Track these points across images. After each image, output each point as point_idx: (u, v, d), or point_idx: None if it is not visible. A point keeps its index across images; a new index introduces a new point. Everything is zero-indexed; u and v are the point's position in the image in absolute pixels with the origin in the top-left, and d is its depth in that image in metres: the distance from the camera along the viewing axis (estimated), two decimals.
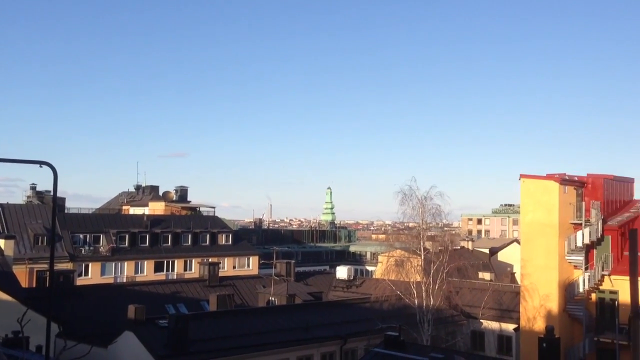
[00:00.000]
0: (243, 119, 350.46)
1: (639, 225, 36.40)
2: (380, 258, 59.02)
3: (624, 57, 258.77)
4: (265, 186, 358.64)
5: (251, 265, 63.95)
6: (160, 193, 77.18)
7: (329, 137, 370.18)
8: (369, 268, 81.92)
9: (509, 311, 39.66)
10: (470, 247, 70.75)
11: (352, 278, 50.89)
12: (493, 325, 39.48)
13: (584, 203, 36.37)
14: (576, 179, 37.42)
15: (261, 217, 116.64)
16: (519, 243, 57.57)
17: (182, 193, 77.77)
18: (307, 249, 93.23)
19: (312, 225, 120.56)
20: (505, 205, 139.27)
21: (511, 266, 61.63)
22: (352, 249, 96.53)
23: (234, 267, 62.23)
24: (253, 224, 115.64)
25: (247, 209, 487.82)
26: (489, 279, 49.86)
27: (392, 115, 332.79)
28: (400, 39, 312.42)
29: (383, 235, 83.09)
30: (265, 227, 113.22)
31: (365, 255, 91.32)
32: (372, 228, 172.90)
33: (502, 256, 68.98)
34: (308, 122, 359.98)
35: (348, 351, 32.72)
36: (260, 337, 30.31)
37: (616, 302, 34.44)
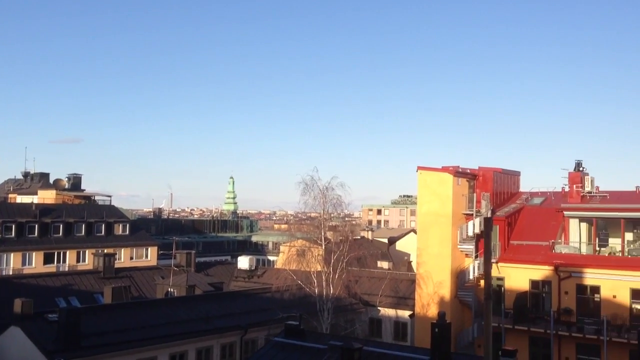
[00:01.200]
0: (143, 105, 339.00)
1: (524, 215, 38.94)
2: (282, 248, 59.19)
3: (511, 58, 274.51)
4: (166, 175, 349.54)
5: (149, 256, 62.09)
6: (51, 181, 73.15)
7: (232, 126, 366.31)
8: (271, 258, 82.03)
9: (405, 298, 41.10)
10: (370, 237, 72.51)
11: (253, 268, 50.78)
12: (390, 312, 40.79)
13: (475, 194, 38.28)
14: (469, 171, 39.30)
15: (161, 207, 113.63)
16: (415, 233, 59.73)
17: (76, 181, 74.18)
18: (208, 239, 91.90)
19: (214, 215, 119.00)
20: (404, 196, 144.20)
21: (408, 255, 63.83)
22: (254, 238, 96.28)
23: (131, 258, 60.14)
24: (152, 213, 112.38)
25: (146, 198, 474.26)
26: (387, 267, 51.39)
27: (295, 106, 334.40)
28: (291, 31, 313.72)
29: (285, 225, 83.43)
30: (165, 216, 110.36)
31: (267, 245, 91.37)
32: (274, 218, 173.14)
33: (400, 245, 71.29)
34: (211, 111, 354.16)
35: (249, 341, 32.64)
36: (158, 329, 29.53)
37: (502, 288, 36.57)
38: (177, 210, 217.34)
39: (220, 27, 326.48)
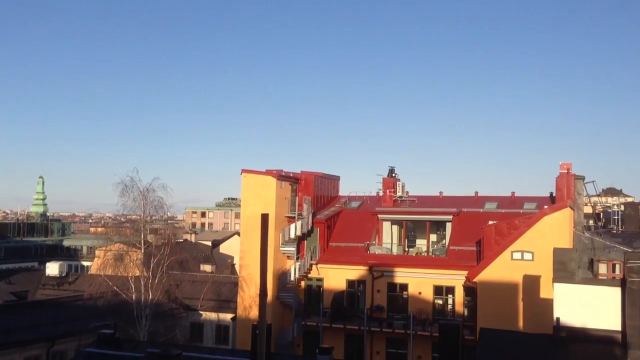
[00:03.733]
0: None
1: (342, 218, 40.78)
2: (97, 252, 55.63)
3: (329, 64, 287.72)
4: None
5: None
6: None
7: (41, 124, 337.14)
8: (85, 263, 76.81)
9: (228, 301, 40.87)
10: (193, 240, 71.19)
11: (64, 274, 47.25)
12: (212, 316, 40.29)
13: (297, 198, 39.29)
14: (291, 175, 40.24)
15: None
16: (240, 235, 59.81)
17: None
18: (12, 244, 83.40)
19: (20, 218, 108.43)
20: (229, 199, 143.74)
21: (232, 258, 63.70)
22: (66, 243, 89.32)
23: None
24: None
25: None
26: (210, 271, 50.75)
27: (113, 104, 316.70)
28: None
29: (102, 228, 78.71)
30: None
31: (81, 250, 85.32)
32: (90, 220, 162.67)
33: (224, 248, 70.90)
34: (18, 105, 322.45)
35: (56, 354, 30.19)
36: None
37: (321, 289, 37.96)
38: None
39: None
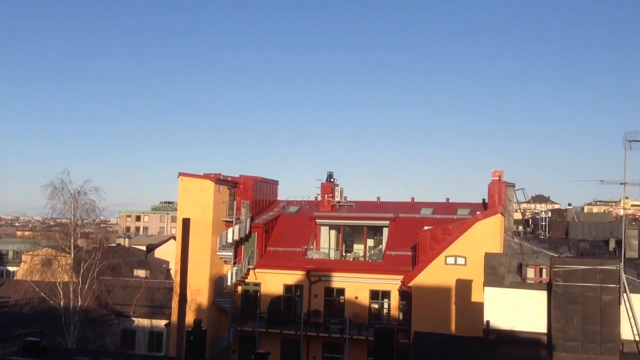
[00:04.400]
0: None
1: (280, 223, 40.70)
2: (24, 257, 53.40)
3: (263, 69, 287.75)
4: None
5: None
6: None
7: None
8: (11, 268, 73.55)
9: (162, 307, 40.00)
10: (127, 244, 69.39)
11: None
12: (145, 322, 39.31)
13: (235, 202, 38.94)
14: (230, 179, 39.85)
15: None
16: (175, 240, 58.68)
17: None
18: None
19: None
20: (165, 202, 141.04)
21: (167, 262, 62.44)
22: None
23: None
24: None
25: None
26: (144, 276, 49.55)
27: (41, 104, 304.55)
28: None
29: (29, 232, 75.54)
30: None
31: (6, 255, 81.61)
32: (17, 224, 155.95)
33: (159, 253, 69.38)
34: None
35: None
36: None
37: (259, 294, 37.72)
38: None
39: None
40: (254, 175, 41.31)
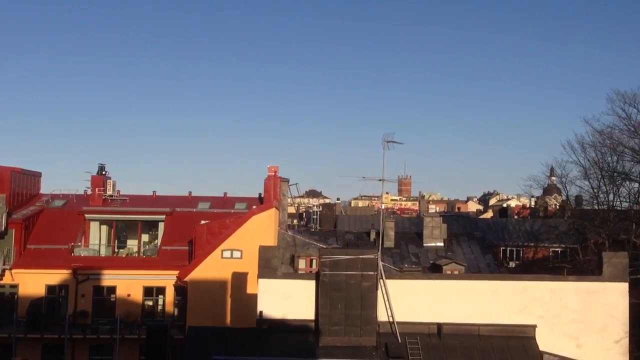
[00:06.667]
0: None
1: (43, 218, 37.28)
2: None
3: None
4: None
5: None
6: None
7: None
8: None
9: None
10: None
11: None
12: None
13: None
14: None
15: None
16: None
17: None
18: None
19: None
20: None
21: None
22: None
23: None
24: None
25: None
26: None
27: None
28: None
29: None
30: None
31: None
32: None
33: None
34: None
35: None
36: None
37: (16, 296, 34.17)
38: None
39: None
40: (11, 166, 37.21)
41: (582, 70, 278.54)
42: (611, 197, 38.47)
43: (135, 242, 38.00)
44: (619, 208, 38.34)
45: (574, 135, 54.96)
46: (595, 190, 38.98)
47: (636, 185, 37.70)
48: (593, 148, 38.41)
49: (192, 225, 34.81)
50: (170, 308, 34.76)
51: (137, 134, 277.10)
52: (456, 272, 30.62)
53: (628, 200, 38.38)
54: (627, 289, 17.50)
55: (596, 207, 39.47)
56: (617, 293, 17.34)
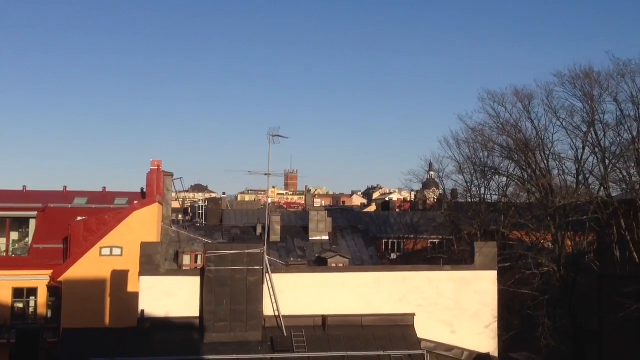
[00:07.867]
0: None
1: None
2: None
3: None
4: None
5: None
6: None
7: None
8: None
9: None
10: None
11: None
12: None
13: None
14: None
15: None
16: None
17: None
18: None
19: None
20: None
21: None
22: None
23: None
24: None
25: None
26: None
27: None
28: None
29: None
30: None
31: None
32: None
33: None
34: None
35: None
36: None
37: None
38: None
39: None
40: None
41: (456, 69, 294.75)
42: (482, 190, 41.16)
43: (4, 240, 35.34)
44: (489, 201, 41.02)
45: (450, 131, 58.24)
46: (468, 184, 41.55)
47: (504, 179, 40.52)
48: (467, 144, 40.92)
49: (68, 221, 32.96)
50: (43, 310, 32.72)
51: (4, 129, 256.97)
52: (341, 265, 31.29)
53: (497, 193, 41.20)
54: (496, 277, 18.75)
55: (469, 200, 42.02)
56: (487, 281, 18.52)
